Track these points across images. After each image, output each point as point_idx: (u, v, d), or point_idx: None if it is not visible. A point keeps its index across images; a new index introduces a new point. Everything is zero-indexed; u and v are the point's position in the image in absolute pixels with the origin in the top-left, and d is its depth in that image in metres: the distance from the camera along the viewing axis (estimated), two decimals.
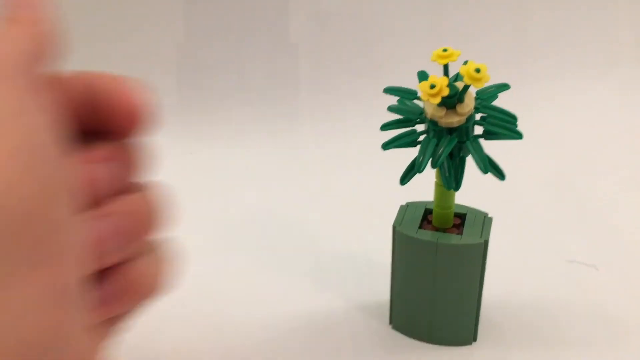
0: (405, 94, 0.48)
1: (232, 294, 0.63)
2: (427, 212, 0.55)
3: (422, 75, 0.48)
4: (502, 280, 0.63)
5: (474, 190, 0.70)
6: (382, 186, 0.77)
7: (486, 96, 0.48)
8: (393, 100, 0.50)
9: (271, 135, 0.91)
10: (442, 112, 0.45)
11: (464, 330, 0.55)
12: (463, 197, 0.60)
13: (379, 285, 0.62)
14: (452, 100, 0.45)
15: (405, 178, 0.48)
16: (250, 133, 0.91)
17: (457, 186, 0.47)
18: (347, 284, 0.64)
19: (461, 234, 0.52)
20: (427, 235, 0.52)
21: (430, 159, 0.46)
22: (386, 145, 0.48)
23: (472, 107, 0.46)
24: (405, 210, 0.55)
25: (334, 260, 0.67)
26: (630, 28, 1.01)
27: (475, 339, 0.56)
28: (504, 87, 0.49)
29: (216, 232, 0.72)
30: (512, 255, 0.67)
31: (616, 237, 0.70)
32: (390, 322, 0.58)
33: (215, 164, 0.87)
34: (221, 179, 0.84)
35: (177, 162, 0.87)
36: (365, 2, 0.95)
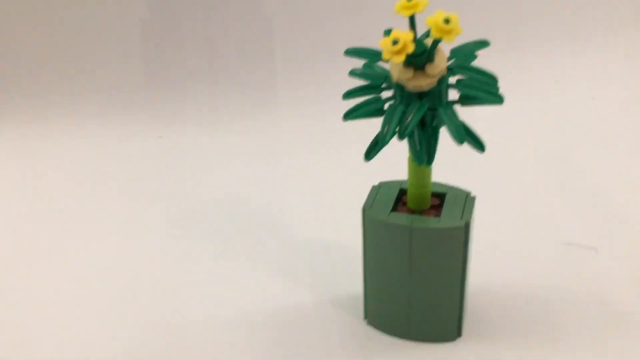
0: (370, 56, 0.42)
1: (194, 287, 0.57)
2: (402, 192, 0.49)
3: (388, 33, 0.42)
4: (490, 267, 0.57)
5: (457, 166, 0.64)
6: (360, 167, 0.71)
7: (462, 55, 0.42)
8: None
9: (244, 117, 0.85)
10: (409, 74, 0.39)
11: (446, 324, 0.49)
12: (444, 175, 0.54)
13: (353, 276, 0.55)
14: (420, 60, 0.39)
15: (370, 152, 0.41)
16: (221, 114, 0.85)
17: (430, 160, 0.41)
18: (319, 274, 0.57)
19: (439, 217, 0.46)
20: (400, 218, 0.45)
21: (398, 129, 0.39)
22: (347, 116, 0.41)
23: (445, 68, 0.39)
24: (378, 191, 0.49)
25: (305, 248, 0.61)
26: None
27: (460, 334, 0.50)
28: (483, 44, 0.42)
29: (180, 220, 0.66)
30: (502, 238, 0.61)
31: (618, 216, 0.63)
32: (365, 316, 0.52)
33: (185, 146, 0.81)
34: (190, 162, 0.77)
35: (144, 145, 0.81)
36: None
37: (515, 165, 0.73)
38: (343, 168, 0.74)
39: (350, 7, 0.88)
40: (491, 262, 0.57)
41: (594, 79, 0.88)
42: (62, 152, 0.81)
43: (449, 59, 0.41)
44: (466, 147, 0.41)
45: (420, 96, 0.40)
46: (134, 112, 0.85)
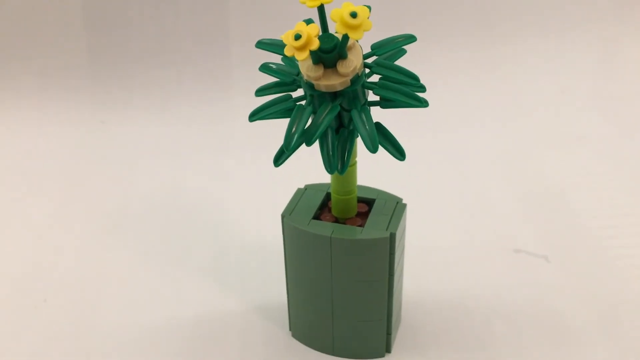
0: (280, 49, 0.38)
1: (112, 290, 0.53)
2: (329, 197, 0.45)
3: (308, 22, 0.37)
4: (433, 276, 0.53)
5: (403, 165, 0.59)
6: (308, 162, 0.67)
7: (385, 51, 0.37)
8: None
9: (194, 103, 0.80)
10: (318, 72, 0.35)
11: (373, 340, 0.45)
12: (384, 176, 0.50)
13: (283, 284, 0.52)
14: (330, 57, 0.34)
15: (278, 159, 0.37)
16: (171, 100, 0.80)
17: (343, 168, 0.36)
18: (250, 280, 0.53)
19: (363, 226, 0.42)
20: (320, 227, 0.41)
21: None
22: (252, 116, 0.37)
23: (360, 65, 0.35)
24: (302, 194, 0.45)
25: (236, 252, 0.57)
26: None
27: (389, 350, 0.46)
28: (410, 39, 0.38)
29: (108, 217, 0.62)
30: (450, 243, 0.57)
31: (574, 224, 0.59)
32: (290, 328, 0.48)
33: (126, 134, 0.76)
34: (128, 153, 0.73)
35: (84, 131, 0.77)
36: None
37: (471, 166, 0.69)
38: (292, 164, 0.69)
39: None
40: (434, 270, 0.54)
41: (564, 73, 0.84)
42: None
43: (370, 55, 0.37)
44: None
45: (335, 96, 0.36)
46: (76, 94, 0.81)
